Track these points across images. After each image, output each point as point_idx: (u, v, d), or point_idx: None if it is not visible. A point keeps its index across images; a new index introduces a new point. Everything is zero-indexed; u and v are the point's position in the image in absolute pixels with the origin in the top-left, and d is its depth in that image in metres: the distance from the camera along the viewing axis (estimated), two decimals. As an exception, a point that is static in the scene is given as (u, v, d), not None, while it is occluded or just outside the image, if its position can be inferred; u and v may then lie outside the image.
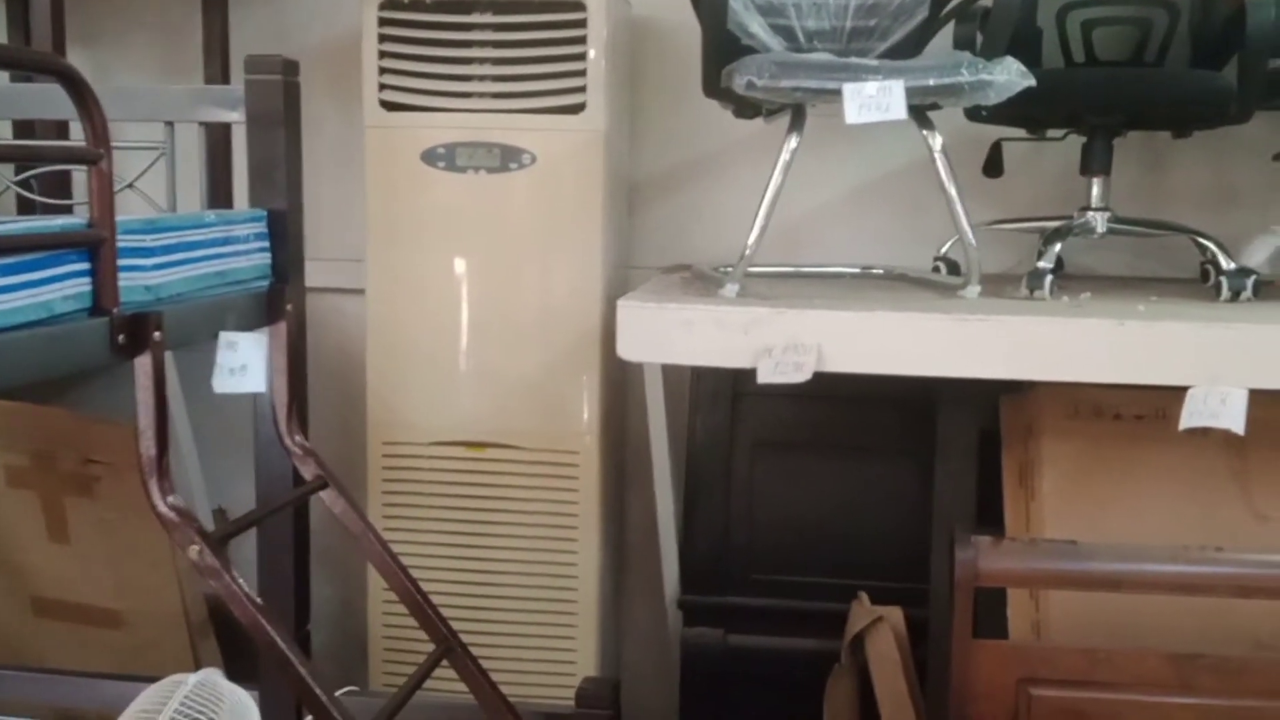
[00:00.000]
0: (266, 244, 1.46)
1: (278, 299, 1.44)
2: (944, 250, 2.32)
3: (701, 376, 2.29)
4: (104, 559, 1.85)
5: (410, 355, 2.29)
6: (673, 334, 1.83)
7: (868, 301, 1.89)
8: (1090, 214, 2.15)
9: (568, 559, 2.28)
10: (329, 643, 2.69)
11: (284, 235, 1.46)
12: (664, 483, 2.21)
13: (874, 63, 1.87)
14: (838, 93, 1.82)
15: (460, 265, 2.25)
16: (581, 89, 2.18)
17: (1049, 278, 1.98)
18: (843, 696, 2.05)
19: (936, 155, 1.93)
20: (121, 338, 1.13)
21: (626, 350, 1.85)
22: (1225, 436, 2.03)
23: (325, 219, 2.63)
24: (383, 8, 2.21)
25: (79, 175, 2.17)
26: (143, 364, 1.15)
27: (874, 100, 1.82)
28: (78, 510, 1.91)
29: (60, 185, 2.18)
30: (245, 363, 1.32)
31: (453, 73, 2.21)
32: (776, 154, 1.95)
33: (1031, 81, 1.88)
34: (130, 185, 1.58)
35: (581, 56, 2.17)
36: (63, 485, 1.91)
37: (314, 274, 2.59)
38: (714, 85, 1.98)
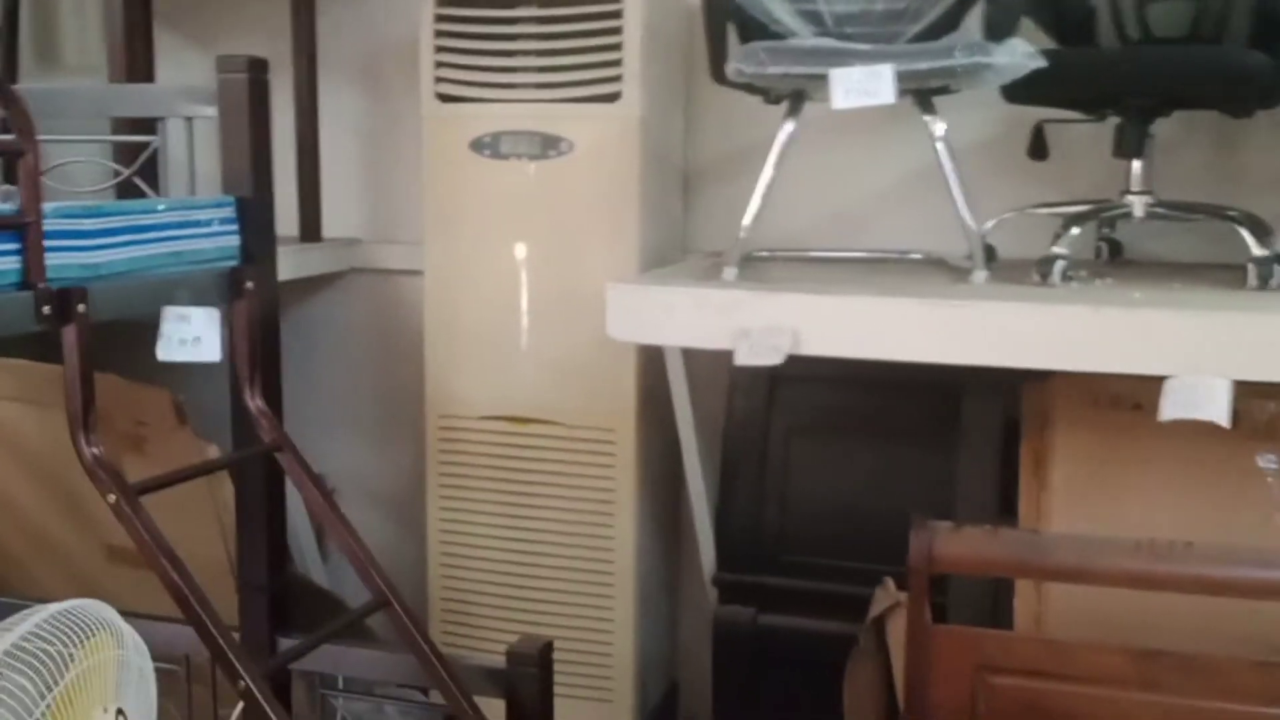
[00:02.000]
0: (235, 228, 1.60)
1: (239, 278, 1.58)
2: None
3: (737, 359, 2.32)
4: (158, 511, 2.03)
5: (463, 333, 2.41)
6: (656, 315, 1.88)
7: (862, 286, 1.90)
8: (1130, 197, 2.07)
9: (605, 534, 2.37)
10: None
11: (251, 219, 1.60)
12: (693, 462, 2.26)
13: (865, 47, 1.87)
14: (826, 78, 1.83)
15: (506, 249, 2.36)
16: (617, 78, 2.25)
17: (1059, 264, 1.93)
18: (863, 678, 2.06)
19: (937, 141, 1.92)
20: (46, 309, 1.30)
21: (615, 330, 1.92)
22: (1252, 431, 1.94)
23: (402, 205, 2.79)
24: (439, 4, 2.34)
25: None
26: (68, 333, 1.31)
27: (861, 85, 1.82)
28: (134, 467, 2.12)
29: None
30: (199, 335, 1.47)
31: (500, 64, 2.32)
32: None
33: (1039, 63, 1.85)
34: (130, 175, 1.76)
35: (617, 46, 2.24)
36: (120, 444, 2.13)
37: (391, 257, 2.81)
38: (720, 72, 2.01)
